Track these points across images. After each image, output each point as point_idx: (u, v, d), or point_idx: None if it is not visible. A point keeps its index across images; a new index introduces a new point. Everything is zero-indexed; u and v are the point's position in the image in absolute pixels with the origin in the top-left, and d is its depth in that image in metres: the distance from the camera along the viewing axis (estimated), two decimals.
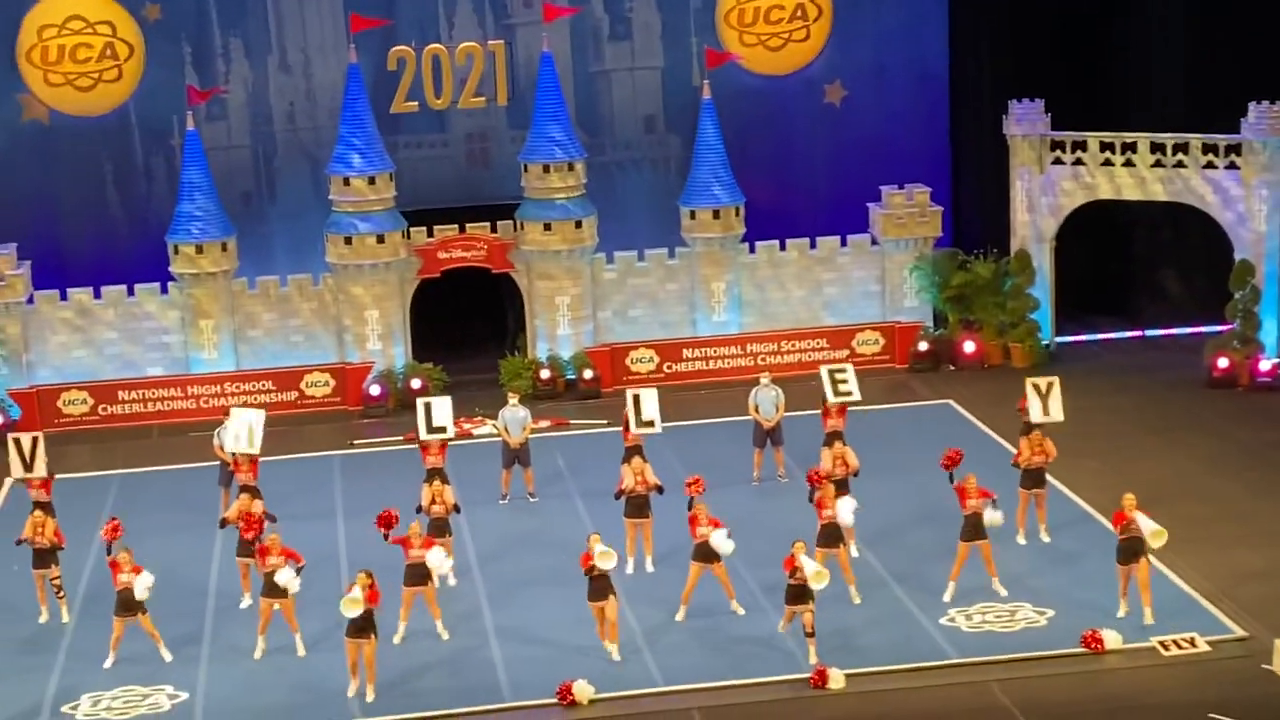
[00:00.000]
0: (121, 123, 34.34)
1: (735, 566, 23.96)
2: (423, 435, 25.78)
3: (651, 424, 25.41)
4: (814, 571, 21.49)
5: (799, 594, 21.62)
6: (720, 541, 22.62)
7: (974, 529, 23.03)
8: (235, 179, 34.54)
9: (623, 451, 26.21)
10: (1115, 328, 35.71)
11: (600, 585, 21.64)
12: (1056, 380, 25.34)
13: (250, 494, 24.37)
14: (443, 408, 26.09)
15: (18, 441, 24.83)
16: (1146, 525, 21.90)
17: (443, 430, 25.76)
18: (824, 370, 26.73)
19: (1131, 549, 22.03)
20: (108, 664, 22.21)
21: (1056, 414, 25.16)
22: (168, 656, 22.26)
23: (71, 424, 32.37)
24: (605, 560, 21.52)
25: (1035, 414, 25.27)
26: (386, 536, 22.42)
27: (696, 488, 23.22)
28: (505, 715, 20.75)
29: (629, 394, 26.03)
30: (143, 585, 22.02)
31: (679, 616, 22.93)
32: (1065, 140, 33.74)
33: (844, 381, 26.38)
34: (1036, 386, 25.31)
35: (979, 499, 23.05)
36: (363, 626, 20.88)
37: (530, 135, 33.58)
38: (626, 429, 26.45)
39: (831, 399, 26.36)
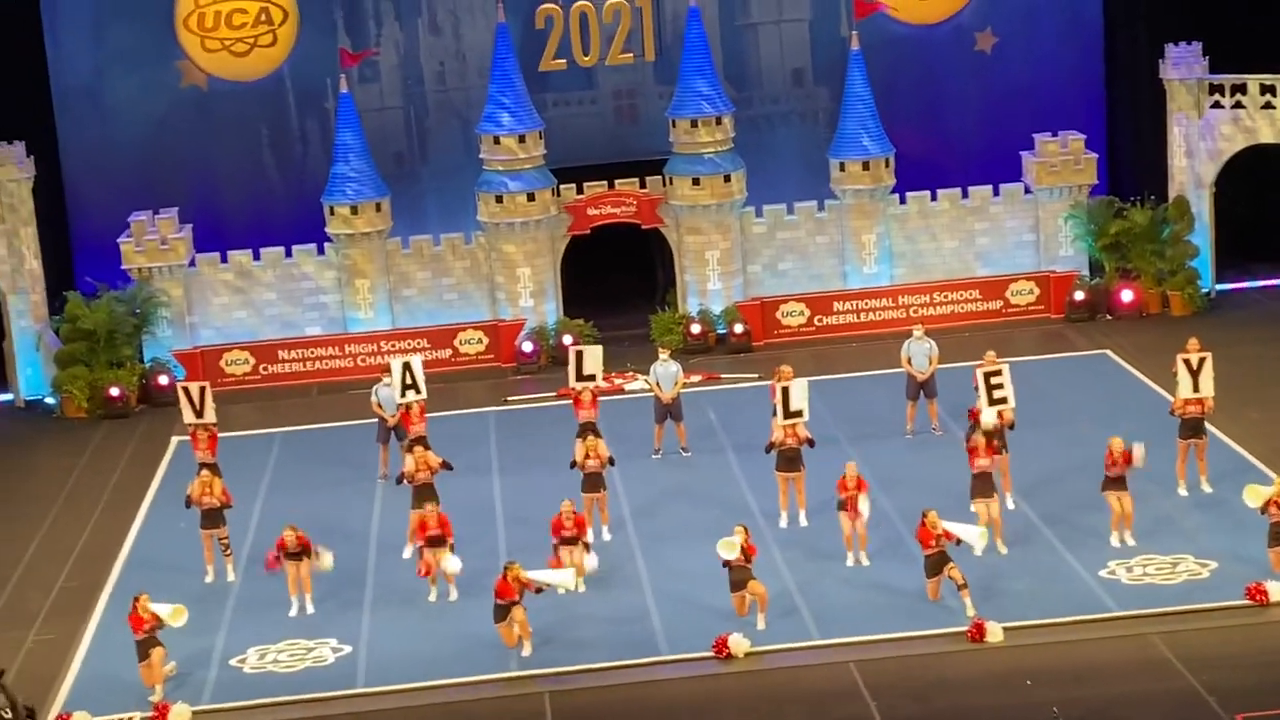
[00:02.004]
0: (277, 87, 34.91)
1: (892, 520, 23.91)
2: (571, 383, 25.97)
3: (800, 414, 24.65)
4: (978, 534, 21.34)
5: (938, 562, 21.48)
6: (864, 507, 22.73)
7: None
8: (388, 140, 34.98)
9: (769, 408, 26.14)
10: (1277, 274, 34.92)
11: (739, 575, 21.55)
12: (1209, 356, 24.61)
13: (421, 444, 24.81)
14: (594, 356, 26.25)
15: (187, 390, 25.47)
16: None
17: (592, 379, 25.88)
18: (980, 374, 24.84)
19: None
20: (293, 611, 22.76)
21: (1207, 390, 24.58)
22: (310, 609, 22.79)
23: (234, 383, 33.06)
24: (726, 550, 21.39)
25: (1185, 390, 24.59)
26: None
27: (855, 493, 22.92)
28: (661, 668, 20.89)
29: (778, 386, 24.85)
30: (328, 559, 22.71)
31: (850, 562, 22.96)
32: (1224, 83, 33.01)
33: (999, 386, 24.57)
34: (1187, 362, 24.65)
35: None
36: (505, 608, 21.15)
37: (678, 90, 33.57)
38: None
39: (985, 407, 24.28)
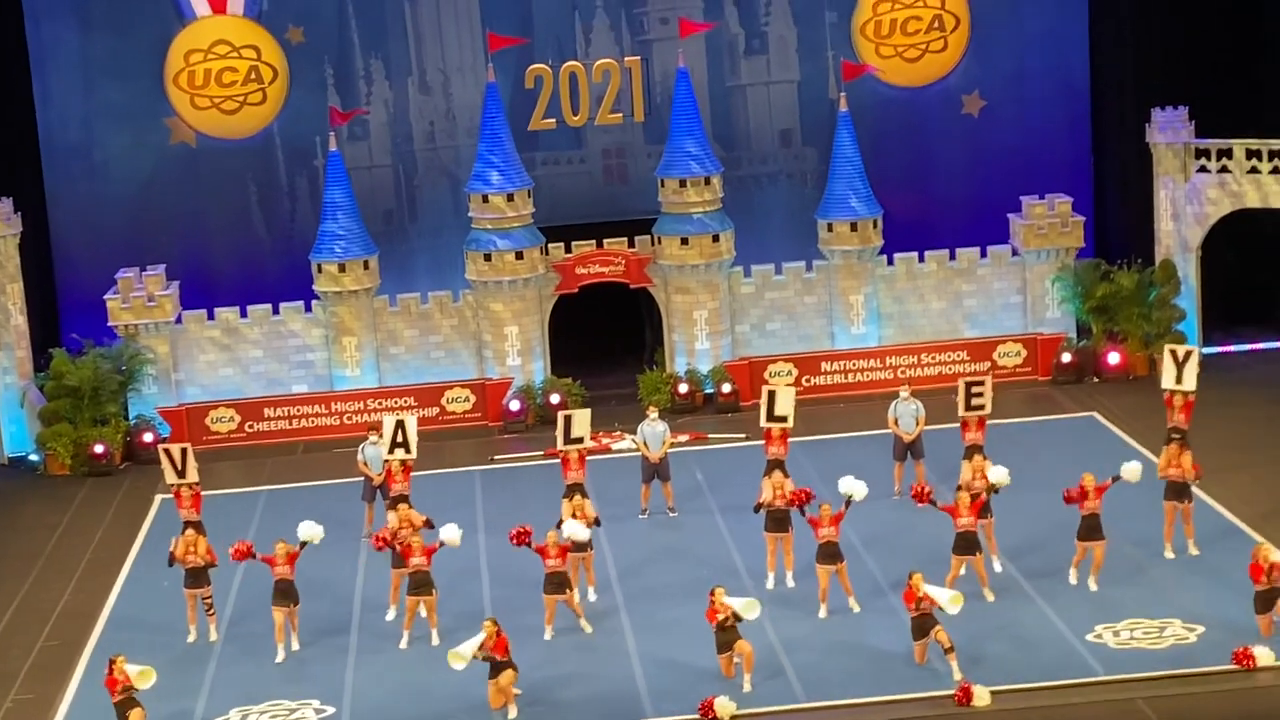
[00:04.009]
0: (266, 144, 34.99)
1: (879, 583, 23.83)
2: (560, 445, 26.00)
3: (784, 419, 25.42)
4: (949, 598, 21.31)
5: (923, 624, 21.40)
6: (851, 484, 23.20)
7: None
8: (377, 198, 35.04)
9: (763, 465, 26.18)
10: (1263, 338, 35.01)
11: (725, 637, 21.47)
12: (1196, 351, 25.20)
13: (404, 502, 24.91)
14: (582, 419, 26.27)
15: (168, 451, 25.38)
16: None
17: (580, 441, 25.95)
18: (962, 382, 26.51)
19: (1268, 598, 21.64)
20: (279, 659, 22.73)
21: (1190, 384, 24.91)
22: (296, 646, 22.95)
23: (219, 441, 32.97)
24: (750, 611, 21.39)
25: (1168, 381, 25.02)
26: (526, 543, 22.74)
27: (799, 497, 23.38)
28: None
29: (765, 390, 26.32)
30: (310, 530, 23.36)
31: (821, 614, 23.05)
32: (1210, 148, 33.18)
33: (979, 395, 26.10)
34: (1174, 353, 25.14)
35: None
36: (497, 667, 21.05)
37: (667, 150, 33.68)
38: (768, 439, 26.46)
39: (962, 412, 26.15)
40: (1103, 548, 23.43)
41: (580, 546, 24.01)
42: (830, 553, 23.14)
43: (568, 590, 23.09)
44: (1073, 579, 23.63)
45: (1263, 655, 21.18)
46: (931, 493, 23.71)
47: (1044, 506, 25.99)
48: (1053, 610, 23.07)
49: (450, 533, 23.32)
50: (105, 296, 32.90)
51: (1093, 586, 23.35)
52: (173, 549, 24.03)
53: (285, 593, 23.07)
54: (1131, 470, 23.80)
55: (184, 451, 25.26)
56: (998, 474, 23.94)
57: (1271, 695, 20.63)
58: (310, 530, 23.62)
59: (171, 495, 26.02)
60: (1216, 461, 26.91)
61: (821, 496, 23.82)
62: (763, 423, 26.58)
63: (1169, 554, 24.51)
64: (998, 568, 24.20)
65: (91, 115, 34.62)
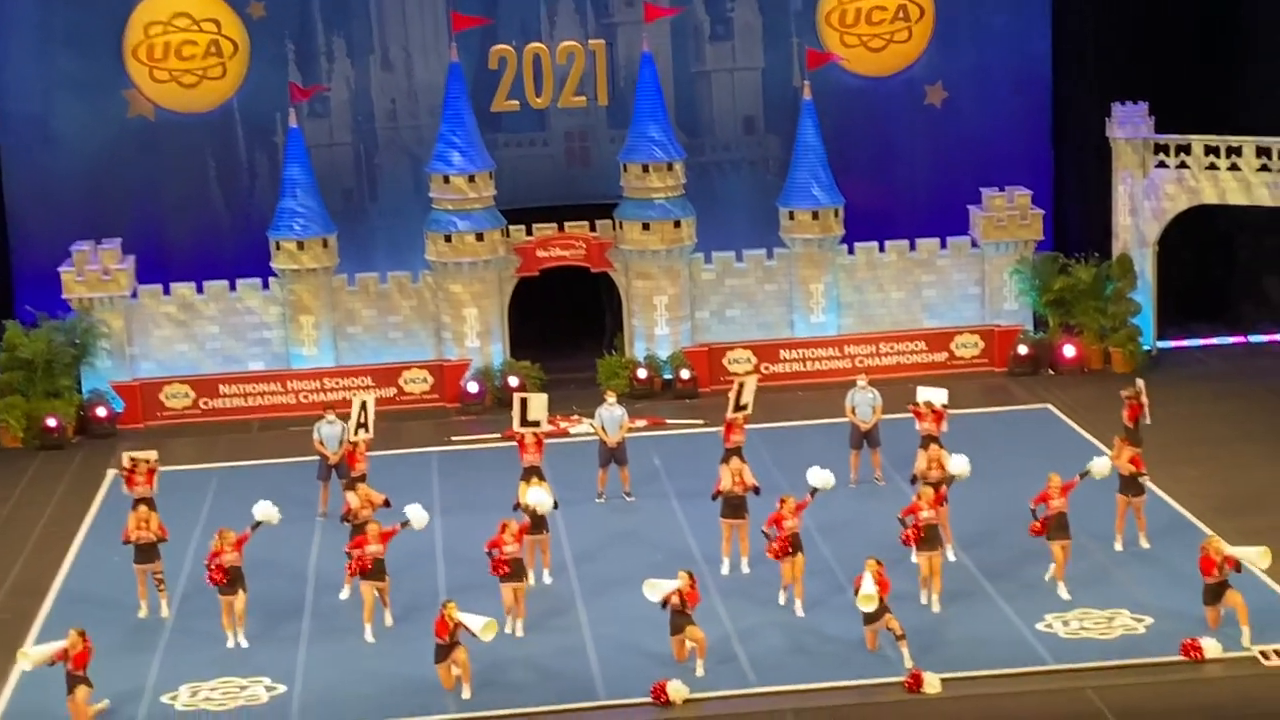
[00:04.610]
0: (225, 119, 34.74)
1: (833, 569, 23.89)
2: (515, 427, 25.99)
3: (746, 408, 26.22)
4: (863, 595, 21.34)
5: (876, 611, 21.42)
6: (819, 476, 23.32)
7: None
8: (337, 176, 34.86)
9: (721, 452, 26.21)
10: (1217, 333, 35.26)
11: (679, 621, 21.50)
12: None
13: (362, 482, 24.84)
14: (538, 403, 26.25)
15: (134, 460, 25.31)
16: (1246, 552, 21.74)
17: (536, 425, 25.94)
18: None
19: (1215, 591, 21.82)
20: (230, 644, 22.58)
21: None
22: (245, 644, 22.67)
23: (173, 417, 32.79)
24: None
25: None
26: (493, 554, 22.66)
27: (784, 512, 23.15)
28: (599, 714, 20.76)
29: (736, 382, 26.65)
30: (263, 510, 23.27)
31: (782, 601, 23.10)
32: (1169, 143, 33.34)
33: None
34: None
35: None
36: (446, 648, 21.02)
37: (630, 135, 33.64)
38: (729, 430, 26.50)
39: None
40: (1069, 546, 23.30)
41: (537, 527, 23.97)
42: (793, 544, 22.99)
43: (524, 578, 22.91)
44: (1064, 594, 23.05)
45: (1210, 647, 21.35)
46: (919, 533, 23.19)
47: (997, 497, 26.13)
48: (1003, 599, 23.19)
49: (416, 513, 23.11)
50: (60, 269, 32.63)
51: (1065, 595, 23.10)
52: (127, 526, 23.83)
53: (233, 580, 22.68)
54: (1100, 467, 23.81)
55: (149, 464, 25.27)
56: (958, 464, 23.97)
57: (1218, 686, 20.82)
58: (266, 511, 23.43)
59: (121, 473, 25.84)
60: (1168, 456, 27.14)
61: (778, 483, 23.82)
62: (729, 414, 26.61)
63: (1119, 546, 24.67)
64: (952, 557, 24.29)
65: (49, 86, 34.29)
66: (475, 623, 21.09)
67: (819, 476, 23.58)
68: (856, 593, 21.51)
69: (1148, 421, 26.19)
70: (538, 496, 23.66)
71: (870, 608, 21.35)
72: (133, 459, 25.36)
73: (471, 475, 28.83)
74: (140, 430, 32.21)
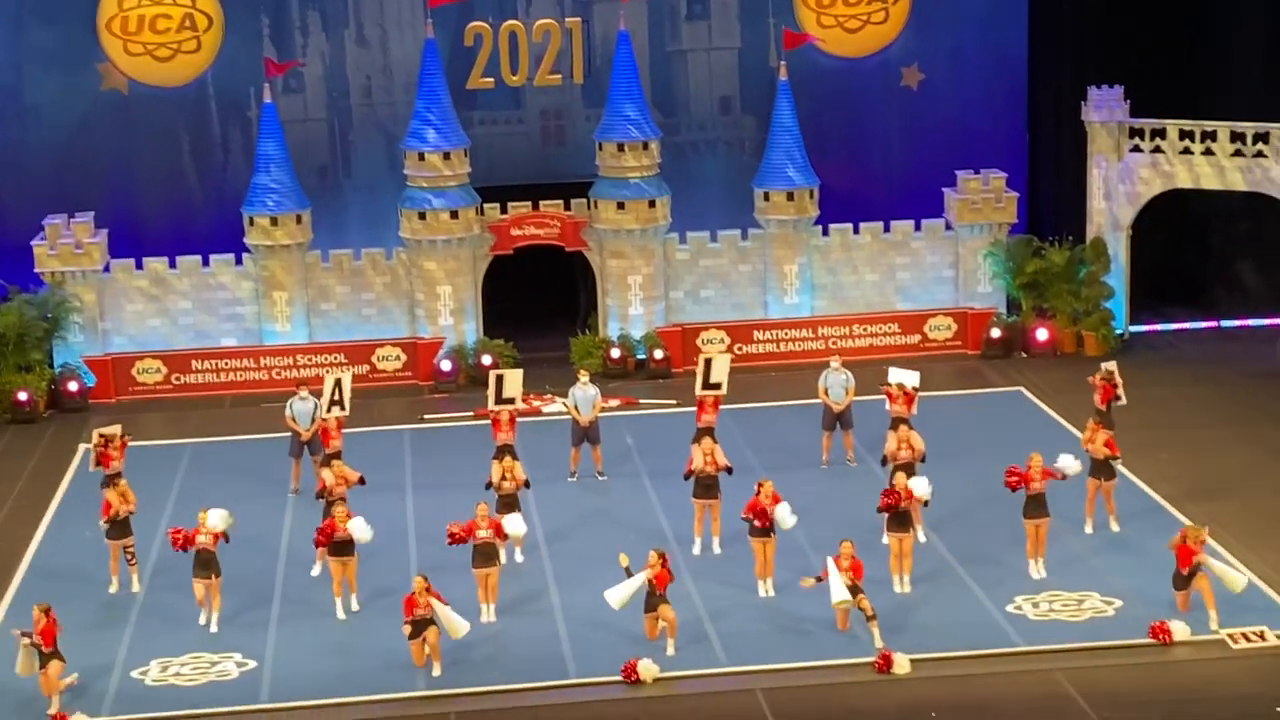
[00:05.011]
0: (199, 94, 34.60)
1: (804, 549, 23.94)
2: (491, 405, 25.95)
3: (718, 387, 25.81)
4: (836, 602, 21.38)
5: (852, 590, 21.48)
6: (784, 516, 22.75)
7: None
8: (311, 152, 34.74)
9: (693, 431, 26.23)
10: (1190, 318, 35.38)
11: (653, 600, 21.54)
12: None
13: (337, 458, 24.90)
14: (513, 380, 26.23)
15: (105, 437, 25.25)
16: (1226, 571, 21.89)
17: (511, 402, 25.91)
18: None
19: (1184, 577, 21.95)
20: (203, 621, 22.48)
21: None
22: (215, 629, 22.52)
23: (145, 392, 32.68)
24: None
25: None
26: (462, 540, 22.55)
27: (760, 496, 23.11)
28: (570, 691, 20.80)
29: (701, 359, 26.70)
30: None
31: (761, 593, 23.00)
32: (1144, 128, 33.41)
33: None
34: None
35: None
36: (418, 625, 21.04)
37: (605, 114, 33.58)
38: (701, 408, 26.52)
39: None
40: (1047, 525, 23.39)
41: (509, 507, 23.89)
42: (765, 527, 23.03)
43: (496, 564, 22.81)
44: (1034, 573, 23.14)
45: (1179, 630, 21.47)
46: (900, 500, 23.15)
47: (968, 480, 26.21)
48: (973, 581, 23.28)
49: (359, 528, 22.78)
50: (32, 243, 32.47)
51: (1041, 573, 23.16)
52: (111, 503, 23.70)
53: (206, 564, 22.53)
54: (1072, 466, 23.82)
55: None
56: (921, 488, 23.49)
57: (1187, 669, 20.92)
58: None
59: (95, 450, 25.73)
60: (1139, 439, 27.25)
61: (750, 464, 23.81)
62: (698, 391, 26.63)
63: (1089, 529, 24.77)
64: (922, 539, 24.36)
65: (22, 58, 34.11)
66: (451, 621, 21.16)
67: (787, 519, 23.07)
68: (819, 580, 21.55)
69: (1123, 402, 26.37)
70: (514, 525, 22.99)
71: (842, 598, 21.42)
72: (104, 436, 25.29)
73: (444, 453, 28.80)
74: (112, 405, 32.11)
